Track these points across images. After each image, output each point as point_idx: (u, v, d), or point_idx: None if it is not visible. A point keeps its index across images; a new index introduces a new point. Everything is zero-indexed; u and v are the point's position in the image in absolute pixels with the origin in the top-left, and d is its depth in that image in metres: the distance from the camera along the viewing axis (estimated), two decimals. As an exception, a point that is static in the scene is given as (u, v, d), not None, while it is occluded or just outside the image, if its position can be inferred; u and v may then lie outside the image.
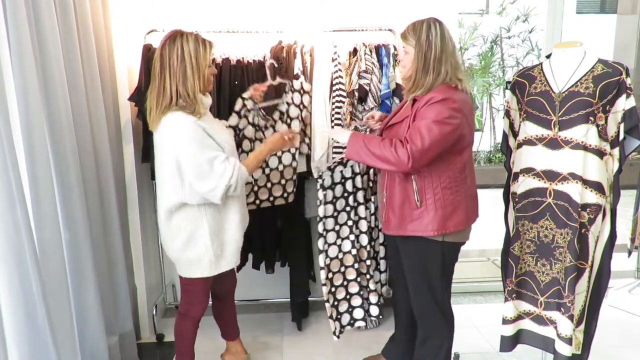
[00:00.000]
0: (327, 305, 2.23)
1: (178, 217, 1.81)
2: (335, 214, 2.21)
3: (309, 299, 2.83)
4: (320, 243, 2.17)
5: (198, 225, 1.81)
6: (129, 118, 2.45)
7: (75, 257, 1.86)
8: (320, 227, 2.17)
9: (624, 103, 1.74)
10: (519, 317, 2.01)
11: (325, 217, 2.17)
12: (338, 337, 2.29)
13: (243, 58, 2.45)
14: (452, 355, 2.39)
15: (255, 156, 1.89)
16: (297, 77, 2.40)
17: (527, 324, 1.99)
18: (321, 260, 2.17)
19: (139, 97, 2.37)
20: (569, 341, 1.82)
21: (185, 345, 2.04)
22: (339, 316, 2.29)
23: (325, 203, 2.16)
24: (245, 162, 1.84)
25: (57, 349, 1.52)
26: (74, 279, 1.86)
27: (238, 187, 1.76)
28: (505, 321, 2.00)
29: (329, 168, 2.16)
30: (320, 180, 2.15)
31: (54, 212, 1.67)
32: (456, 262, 1.96)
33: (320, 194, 2.14)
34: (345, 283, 2.28)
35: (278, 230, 2.64)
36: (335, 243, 2.22)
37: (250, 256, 2.65)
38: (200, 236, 1.82)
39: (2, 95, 1.39)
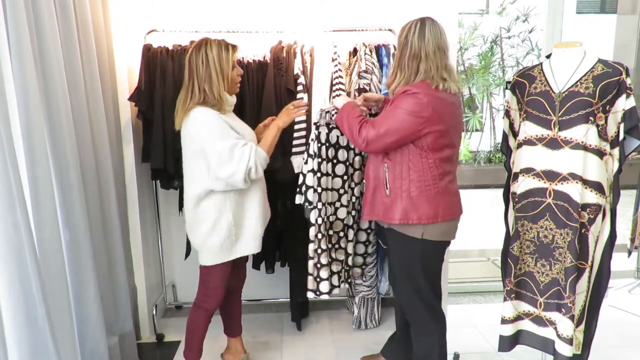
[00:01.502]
0: (310, 263, 2.21)
1: (205, 204, 1.91)
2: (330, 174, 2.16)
3: (309, 299, 2.83)
4: (310, 195, 2.12)
5: (222, 211, 1.91)
6: (129, 118, 2.45)
7: (75, 257, 1.86)
8: (313, 182, 2.10)
9: (623, 103, 1.74)
10: (518, 318, 2.00)
11: (322, 174, 2.10)
12: (317, 294, 2.26)
13: (243, 58, 2.45)
14: (452, 355, 2.40)
15: (267, 137, 2.00)
16: (297, 77, 2.40)
17: (527, 325, 1.99)
18: (312, 217, 2.15)
19: (139, 97, 2.37)
20: (569, 341, 1.81)
21: (195, 339, 2.08)
22: (318, 279, 2.25)
23: (319, 157, 2.09)
24: (261, 144, 1.96)
25: (57, 349, 1.52)
26: (74, 279, 1.86)
27: (259, 169, 1.89)
28: (504, 321, 2.00)
29: (327, 125, 2.12)
30: (316, 132, 2.08)
31: (54, 212, 1.67)
32: (442, 263, 1.99)
33: (315, 145, 2.08)
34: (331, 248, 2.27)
35: (278, 230, 2.64)
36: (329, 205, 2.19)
37: (250, 256, 2.65)
38: (224, 222, 1.92)
39: (2, 95, 1.39)
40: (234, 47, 1.92)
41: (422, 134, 1.77)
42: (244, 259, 2.08)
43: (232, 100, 1.98)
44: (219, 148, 1.81)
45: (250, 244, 2.01)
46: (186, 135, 1.89)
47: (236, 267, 2.12)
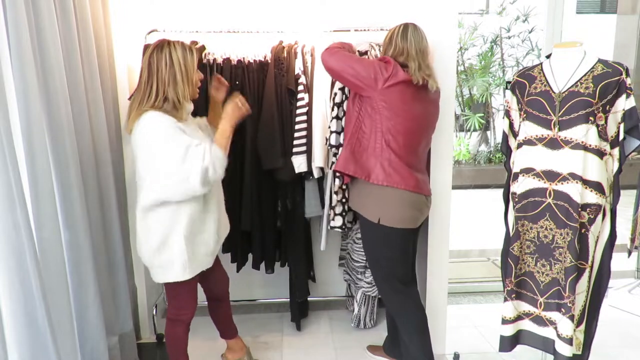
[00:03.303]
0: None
1: (152, 218, 1.78)
2: None
3: (309, 299, 2.83)
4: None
5: (173, 227, 1.78)
6: (129, 118, 2.45)
7: (75, 257, 1.86)
8: None
9: (623, 103, 1.74)
10: (518, 318, 2.00)
11: None
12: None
13: (244, 58, 2.45)
14: (452, 355, 2.41)
15: (222, 134, 1.84)
16: (298, 77, 2.40)
17: (527, 325, 1.99)
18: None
19: (139, 97, 2.37)
20: (569, 341, 1.81)
21: (178, 350, 2.02)
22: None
23: None
24: (216, 139, 1.81)
25: (57, 349, 1.52)
26: (73, 279, 1.86)
27: (217, 169, 1.74)
28: (504, 321, 2.00)
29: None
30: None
31: (54, 212, 1.67)
32: (406, 251, 2.07)
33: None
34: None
35: (278, 231, 2.64)
36: None
37: (250, 256, 2.65)
38: (175, 237, 1.79)
39: (2, 95, 1.39)
40: (198, 49, 1.81)
41: (373, 89, 1.89)
42: (215, 264, 2.00)
43: (190, 107, 1.87)
44: (173, 150, 1.68)
45: (204, 259, 1.89)
46: (138, 140, 1.74)
47: (209, 275, 2.00)
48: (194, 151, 1.70)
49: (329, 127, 2.33)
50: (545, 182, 1.84)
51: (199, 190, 1.73)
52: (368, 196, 2.00)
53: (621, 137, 1.76)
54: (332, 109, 2.32)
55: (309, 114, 2.40)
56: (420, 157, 2.05)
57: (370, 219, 1.98)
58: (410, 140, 1.95)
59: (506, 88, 2.09)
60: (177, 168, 1.69)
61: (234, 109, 1.88)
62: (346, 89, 2.27)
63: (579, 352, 1.87)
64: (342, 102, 2.32)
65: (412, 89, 1.92)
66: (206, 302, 2.22)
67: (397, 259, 2.05)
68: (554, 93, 1.81)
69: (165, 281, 1.86)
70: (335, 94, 2.33)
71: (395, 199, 1.95)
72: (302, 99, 2.39)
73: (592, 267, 1.84)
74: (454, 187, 2.38)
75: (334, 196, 2.36)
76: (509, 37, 8.89)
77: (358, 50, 2.36)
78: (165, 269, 1.83)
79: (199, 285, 2.03)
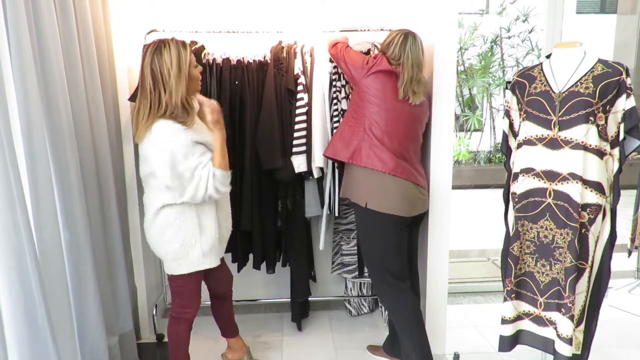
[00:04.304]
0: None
1: (163, 217, 1.83)
2: None
3: (310, 299, 2.83)
4: None
5: (181, 224, 1.82)
6: (129, 118, 2.45)
7: (75, 257, 1.86)
8: None
9: (624, 103, 1.74)
10: (518, 318, 2.00)
11: None
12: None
13: (243, 58, 2.45)
14: (452, 355, 2.41)
15: (219, 152, 1.83)
16: (297, 77, 2.40)
17: (527, 325, 1.99)
18: None
19: (139, 97, 2.37)
20: (569, 341, 1.81)
21: (180, 349, 2.02)
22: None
23: None
24: (216, 162, 1.81)
25: (57, 349, 1.52)
26: (73, 280, 1.86)
27: (220, 190, 1.80)
28: (504, 321, 2.00)
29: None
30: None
31: (54, 212, 1.66)
32: (397, 242, 2.08)
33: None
34: None
35: (278, 231, 2.64)
36: None
37: (250, 256, 2.65)
38: (189, 224, 1.83)
39: (2, 95, 1.39)
40: (191, 43, 1.79)
41: (359, 76, 2.03)
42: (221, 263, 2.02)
43: (196, 105, 1.86)
44: (180, 169, 1.72)
45: (211, 255, 1.91)
46: (148, 151, 1.76)
47: (214, 273, 2.02)
48: (199, 175, 1.75)
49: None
50: (545, 182, 1.84)
51: (205, 201, 1.83)
52: (354, 180, 2.07)
53: (621, 137, 1.76)
54: (332, 114, 2.34)
55: (308, 114, 2.40)
56: (407, 148, 2.07)
57: (358, 203, 2.05)
58: (393, 129, 2.01)
59: (506, 88, 2.10)
60: (185, 187, 1.76)
61: (217, 118, 1.84)
62: (345, 102, 2.37)
63: (579, 352, 1.87)
64: (340, 111, 2.37)
65: (395, 80, 2.00)
66: (209, 302, 2.23)
67: (391, 252, 2.07)
68: (554, 93, 1.81)
69: (184, 272, 1.88)
70: (333, 99, 2.36)
71: (379, 183, 2.01)
72: (302, 99, 2.39)
73: (592, 267, 1.84)
74: (454, 187, 2.38)
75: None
76: (509, 37, 8.87)
77: (361, 51, 2.37)
78: (182, 258, 1.85)
79: (202, 284, 2.04)
